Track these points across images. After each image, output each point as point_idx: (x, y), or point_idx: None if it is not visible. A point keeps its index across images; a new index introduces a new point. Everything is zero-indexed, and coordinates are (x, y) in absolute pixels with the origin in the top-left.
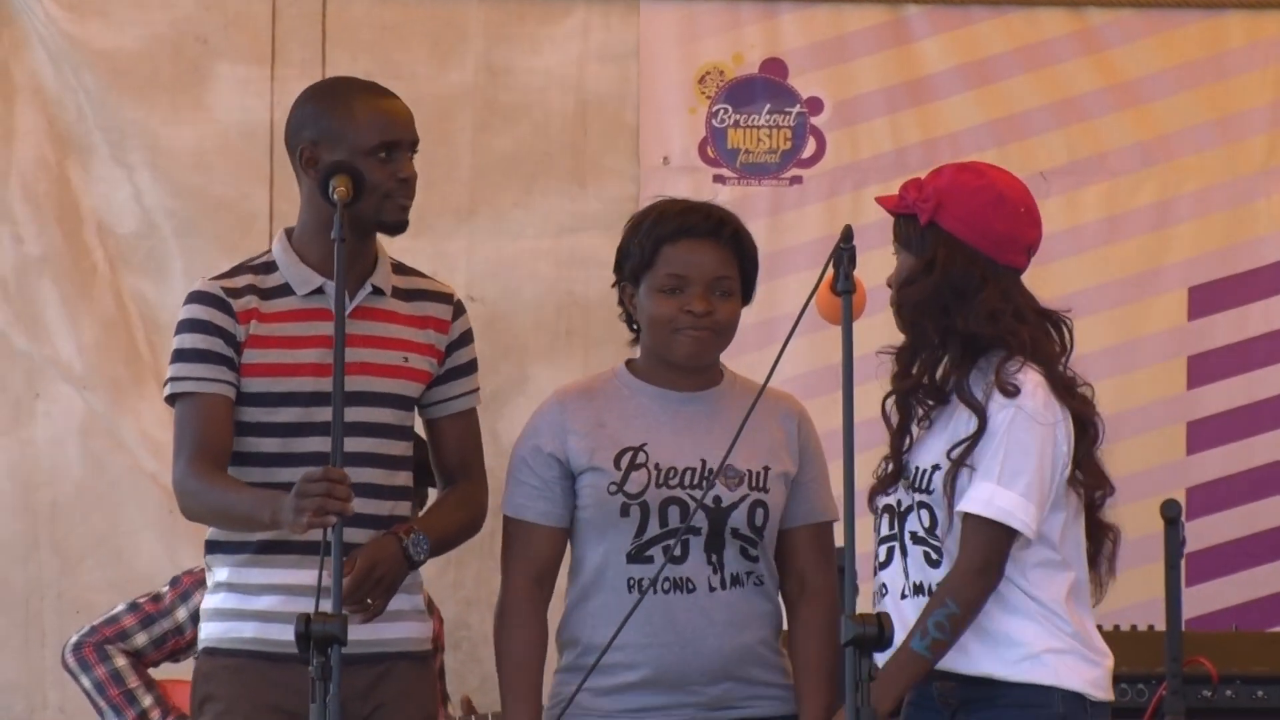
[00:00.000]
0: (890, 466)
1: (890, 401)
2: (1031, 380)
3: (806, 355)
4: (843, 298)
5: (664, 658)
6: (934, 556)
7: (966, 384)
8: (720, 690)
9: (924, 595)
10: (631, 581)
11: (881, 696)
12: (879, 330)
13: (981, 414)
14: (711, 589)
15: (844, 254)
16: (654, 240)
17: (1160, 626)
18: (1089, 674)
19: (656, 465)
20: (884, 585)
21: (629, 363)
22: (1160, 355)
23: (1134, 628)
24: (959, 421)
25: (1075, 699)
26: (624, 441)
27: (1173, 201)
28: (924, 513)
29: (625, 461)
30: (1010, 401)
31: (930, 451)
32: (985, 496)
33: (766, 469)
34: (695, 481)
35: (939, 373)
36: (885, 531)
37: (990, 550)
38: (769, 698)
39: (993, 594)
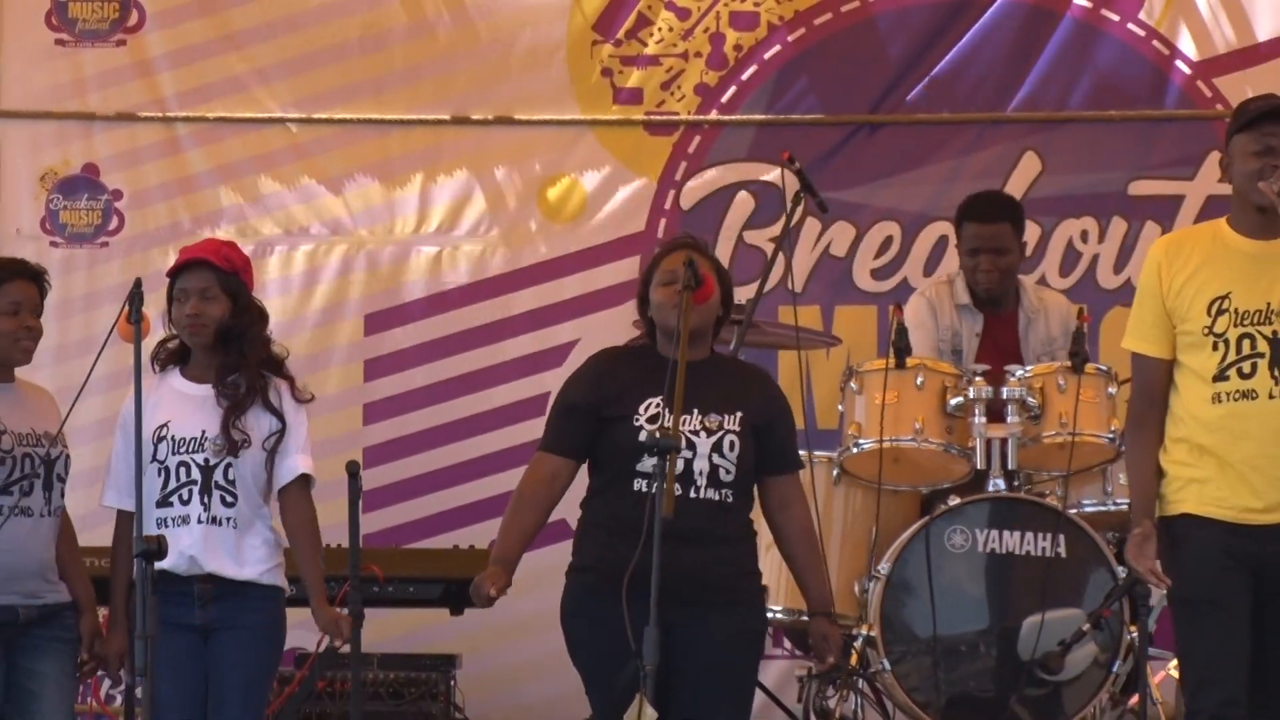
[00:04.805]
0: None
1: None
2: None
3: (110, 360)
4: (134, 326)
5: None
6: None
7: None
8: None
9: None
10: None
11: None
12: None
13: None
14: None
15: (136, 297)
16: None
17: (345, 544)
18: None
19: (14, 433)
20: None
21: None
22: (346, 360)
23: (329, 545)
24: None
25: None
26: None
27: (352, 259)
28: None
29: None
30: None
31: None
32: None
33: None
34: (35, 442)
35: None
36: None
37: None
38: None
39: None
